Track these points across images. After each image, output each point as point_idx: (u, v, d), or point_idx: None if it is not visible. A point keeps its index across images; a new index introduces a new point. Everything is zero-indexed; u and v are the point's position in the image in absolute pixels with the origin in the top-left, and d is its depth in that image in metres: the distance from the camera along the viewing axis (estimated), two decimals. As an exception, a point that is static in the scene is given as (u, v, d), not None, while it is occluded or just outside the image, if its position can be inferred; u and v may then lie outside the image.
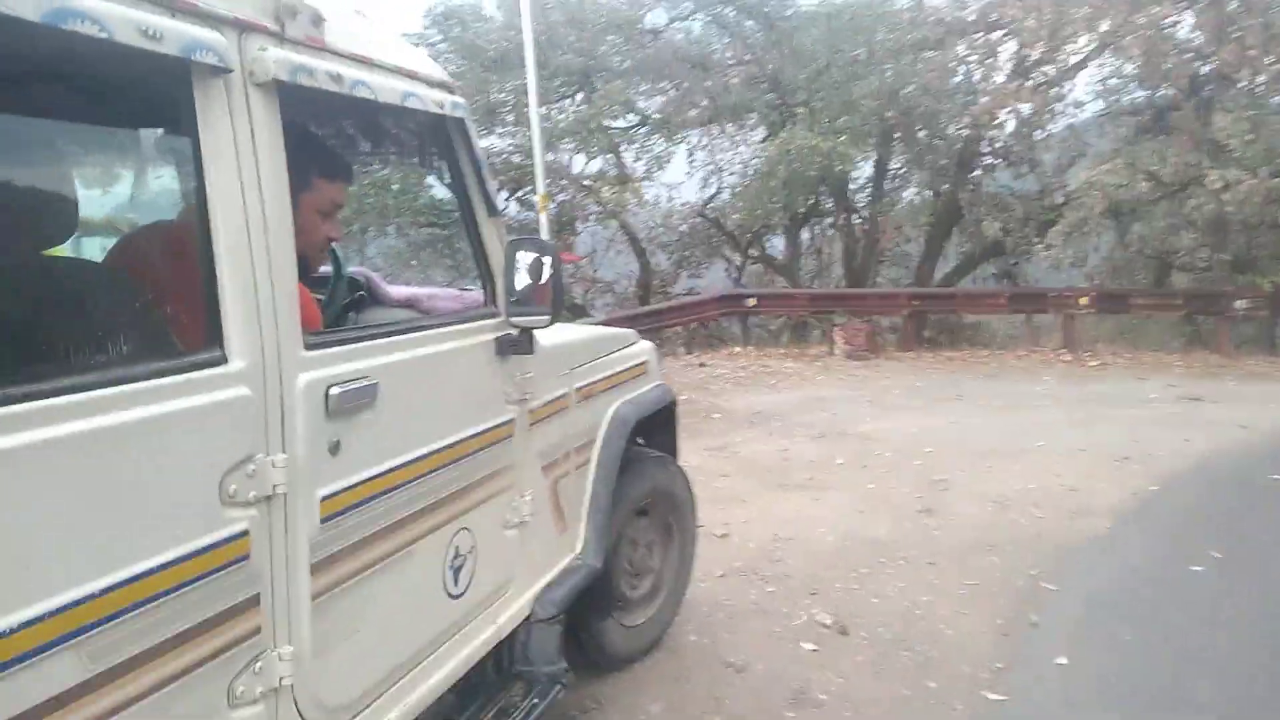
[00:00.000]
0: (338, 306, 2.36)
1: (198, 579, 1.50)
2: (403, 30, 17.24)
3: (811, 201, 16.80)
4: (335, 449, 1.82)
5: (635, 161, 18.05)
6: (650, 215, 18.77)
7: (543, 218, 14.50)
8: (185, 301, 1.61)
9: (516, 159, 16.79)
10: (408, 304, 2.61)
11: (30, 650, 1.23)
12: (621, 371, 3.41)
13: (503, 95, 16.21)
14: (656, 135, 17.58)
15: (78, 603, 1.29)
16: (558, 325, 3.57)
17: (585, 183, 17.77)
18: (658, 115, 17.36)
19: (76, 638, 1.29)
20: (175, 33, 1.43)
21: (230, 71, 1.56)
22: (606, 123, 16.66)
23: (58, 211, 1.58)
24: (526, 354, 2.50)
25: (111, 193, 1.77)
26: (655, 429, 3.72)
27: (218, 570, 1.54)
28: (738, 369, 11.43)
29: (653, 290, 18.91)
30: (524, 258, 2.40)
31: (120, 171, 1.96)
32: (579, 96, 17.31)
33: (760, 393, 9.90)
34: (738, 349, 13.33)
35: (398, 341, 2.04)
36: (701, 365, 11.60)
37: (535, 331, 2.51)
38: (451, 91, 2.28)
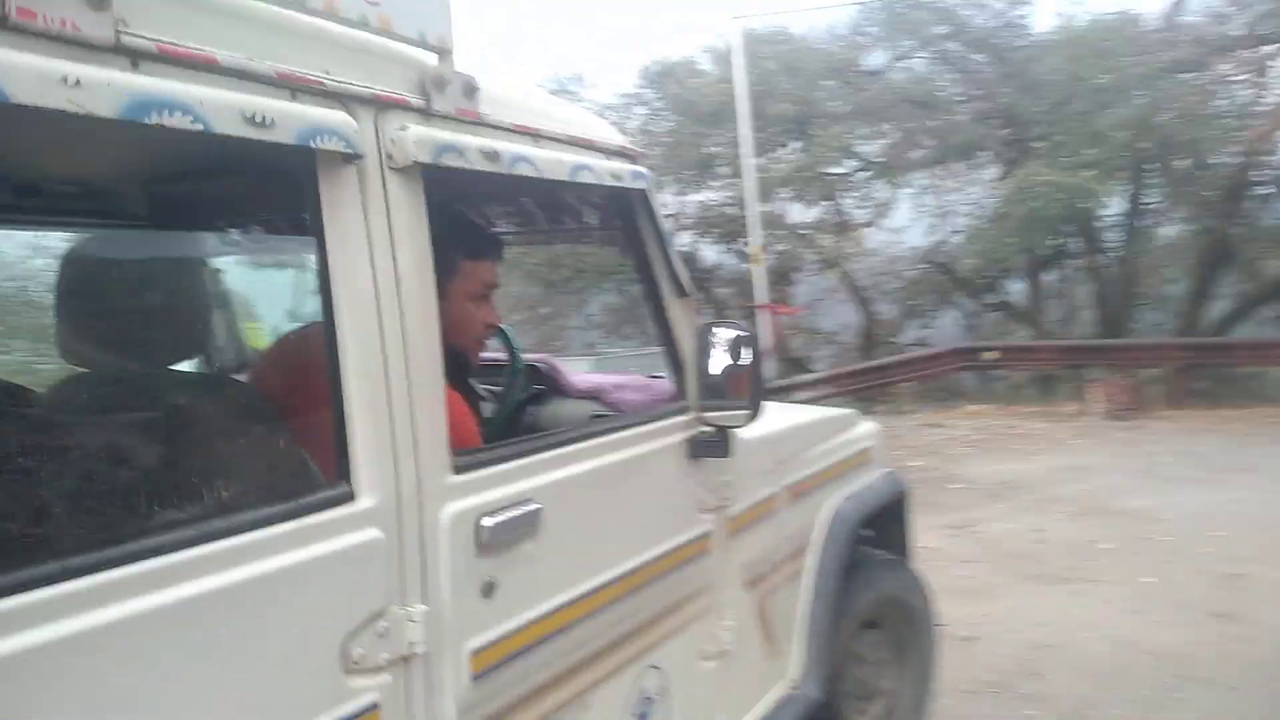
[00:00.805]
0: (513, 402, 2.10)
1: (313, 771, 1.23)
2: (619, 90, 17.63)
3: (1056, 242, 15.45)
4: (489, 590, 1.52)
5: (856, 209, 17.41)
6: (874, 263, 18.01)
7: (757, 271, 14.22)
8: (306, 427, 1.37)
9: (731, 210, 16.64)
10: (592, 396, 2.33)
11: None
12: (841, 461, 2.96)
13: (717, 148, 16.13)
14: (878, 180, 16.88)
15: None
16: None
17: (802, 232, 17.32)
18: (879, 159, 16.67)
19: None
20: (290, 117, 1.21)
21: (361, 157, 1.32)
22: (824, 170, 16.19)
23: (176, 325, 1.40)
24: (721, 457, 2.13)
25: (233, 300, 1.58)
26: (885, 523, 3.24)
27: (341, 756, 1.27)
28: (977, 429, 10.47)
29: (877, 341, 18.06)
30: (719, 343, 2.06)
31: (240, 276, 1.80)
32: (795, 144, 16.97)
33: (1005, 458, 8.96)
34: (976, 406, 12.29)
35: (568, 453, 1.74)
36: (935, 426, 10.74)
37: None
38: (634, 160, 1.99)
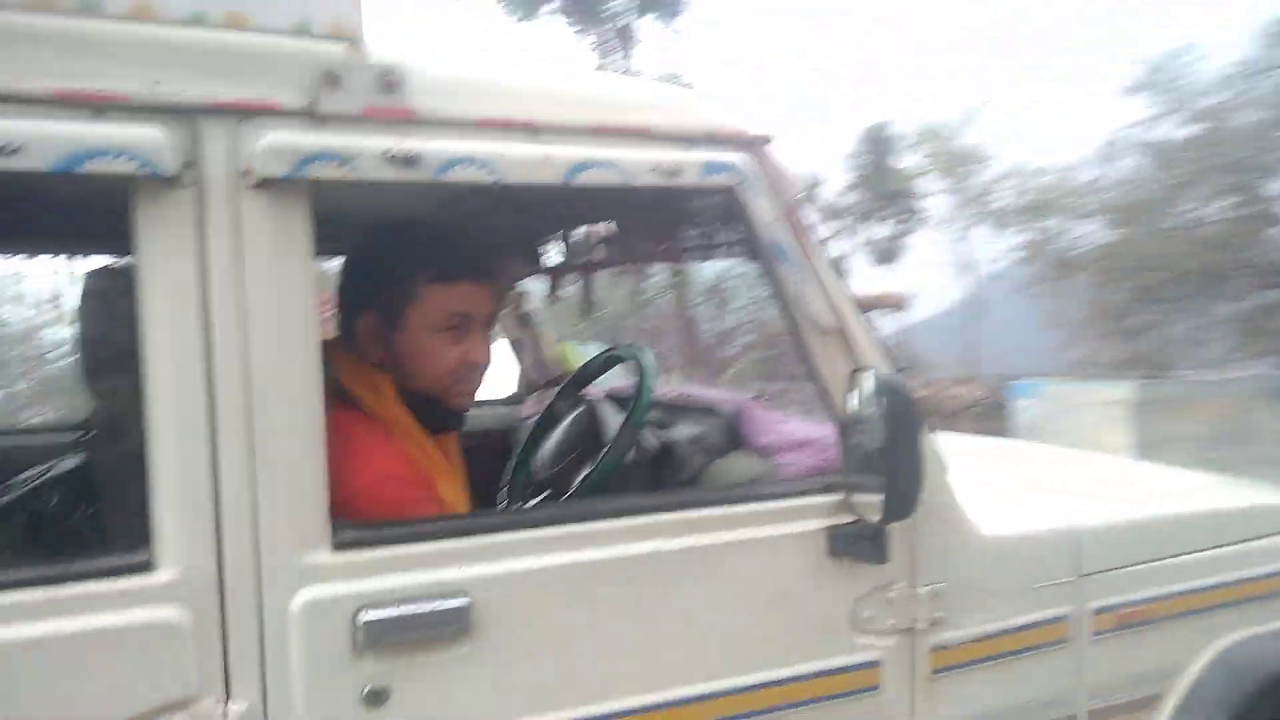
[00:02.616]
0: (618, 452, 1.69)
1: None
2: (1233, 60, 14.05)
3: None
4: (377, 699, 1.23)
5: None
6: None
7: None
8: (122, 485, 1.23)
9: None
10: (771, 454, 1.81)
11: None
12: (1250, 581, 1.90)
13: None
14: None
15: None
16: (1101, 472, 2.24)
17: None
18: None
19: None
20: (48, 140, 1.08)
21: (172, 178, 1.14)
22: None
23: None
24: (872, 562, 1.48)
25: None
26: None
27: None
28: None
29: None
30: (874, 398, 1.43)
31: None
32: None
33: None
34: None
35: (551, 537, 1.33)
36: None
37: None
38: (747, 148, 1.45)
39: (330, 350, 1.48)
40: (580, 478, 1.71)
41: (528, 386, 2.81)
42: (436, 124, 1.28)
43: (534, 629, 1.32)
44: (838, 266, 1.56)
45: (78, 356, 1.37)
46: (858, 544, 1.46)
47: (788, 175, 1.52)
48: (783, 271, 1.46)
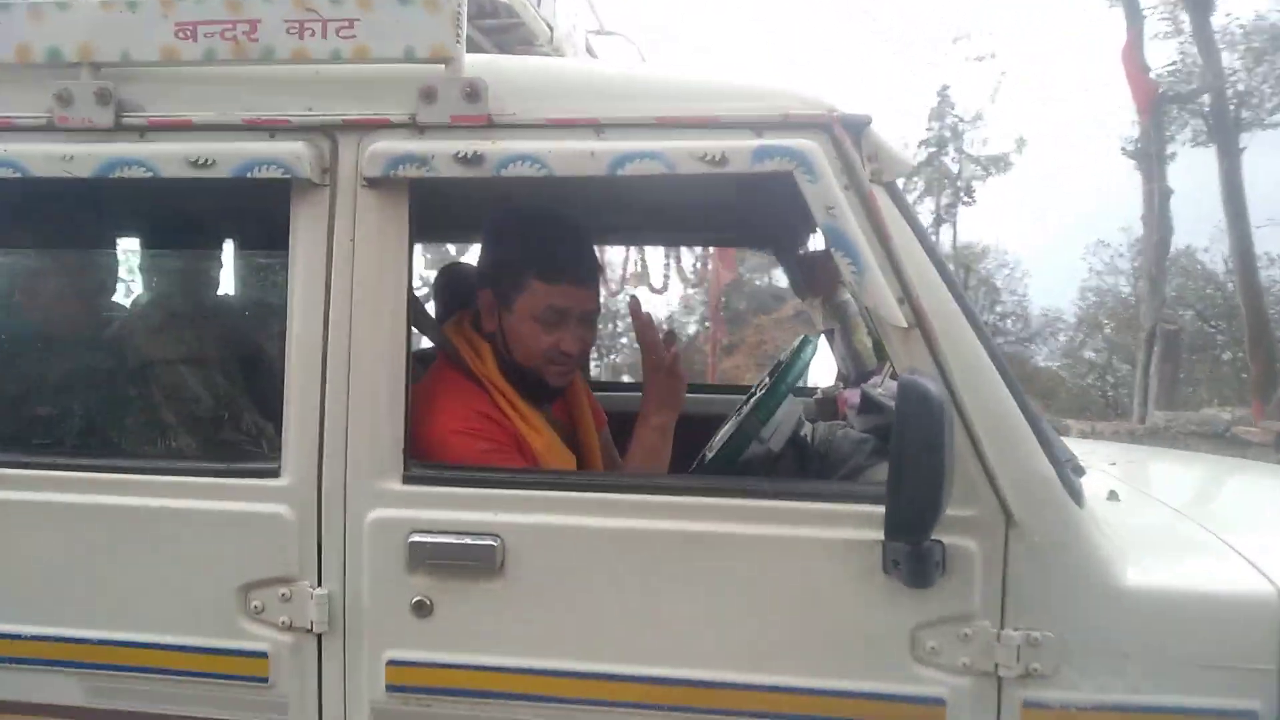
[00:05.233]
0: (747, 433, 1.69)
1: (208, 675, 1.54)
2: None
3: None
4: (422, 610, 1.48)
5: None
6: None
7: None
8: (265, 413, 1.61)
9: None
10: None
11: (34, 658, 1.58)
12: None
13: None
14: None
15: (80, 640, 1.56)
16: None
17: None
18: None
19: (78, 669, 1.57)
20: (228, 155, 1.48)
21: (300, 179, 1.49)
22: None
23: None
24: (910, 585, 1.33)
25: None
26: None
27: (233, 678, 1.54)
28: None
29: None
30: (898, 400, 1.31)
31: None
32: None
33: None
34: None
35: (567, 500, 1.46)
36: None
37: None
38: (827, 130, 1.40)
39: (455, 315, 1.77)
40: (710, 457, 1.77)
41: (841, 376, 2.82)
42: (511, 126, 1.47)
43: (558, 581, 1.46)
44: (934, 255, 1.40)
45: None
46: (898, 560, 1.33)
47: (883, 154, 1.42)
48: (840, 259, 1.38)
